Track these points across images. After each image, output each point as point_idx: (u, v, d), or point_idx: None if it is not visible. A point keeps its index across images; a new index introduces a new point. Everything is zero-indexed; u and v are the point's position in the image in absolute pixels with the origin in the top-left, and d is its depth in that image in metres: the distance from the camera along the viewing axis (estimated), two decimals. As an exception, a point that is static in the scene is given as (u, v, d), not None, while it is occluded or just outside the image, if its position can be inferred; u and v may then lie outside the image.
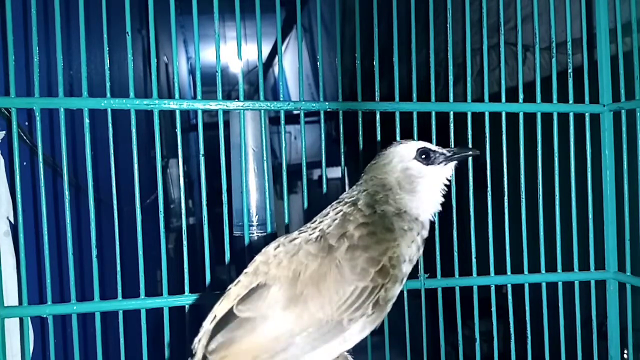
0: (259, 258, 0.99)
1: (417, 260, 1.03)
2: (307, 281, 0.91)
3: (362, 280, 0.91)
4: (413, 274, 1.08)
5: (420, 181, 1.05)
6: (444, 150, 1.08)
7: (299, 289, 0.91)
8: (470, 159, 1.51)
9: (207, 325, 0.96)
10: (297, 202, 2.16)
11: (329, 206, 1.05)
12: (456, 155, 1.09)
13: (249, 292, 0.93)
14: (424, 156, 1.06)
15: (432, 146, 1.08)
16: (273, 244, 1.00)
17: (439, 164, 1.07)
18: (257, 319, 0.91)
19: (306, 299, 0.90)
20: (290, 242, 0.97)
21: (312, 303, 0.90)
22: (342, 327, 0.91)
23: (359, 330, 0.94)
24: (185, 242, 1.42)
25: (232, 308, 0.93)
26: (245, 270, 0.99)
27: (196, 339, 0.96)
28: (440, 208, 1.09)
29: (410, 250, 0.99)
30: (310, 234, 0.97)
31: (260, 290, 0.93)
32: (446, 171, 1.09)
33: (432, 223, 1.07)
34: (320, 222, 1.00)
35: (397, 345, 1.50)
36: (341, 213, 0.99)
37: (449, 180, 1.11)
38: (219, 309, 0.96)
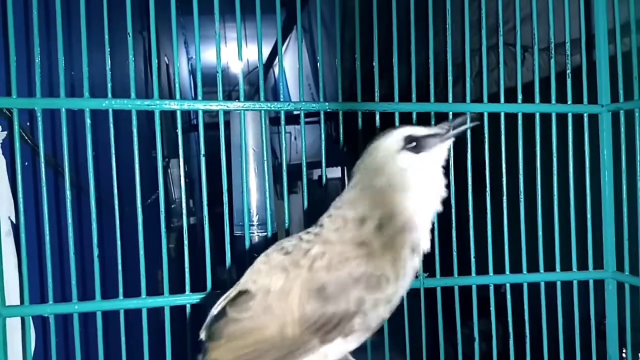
0: (255, 263, 0.99)
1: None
2: (276, 295, 0.90)
3: (327, 304, 0.87)
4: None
5: (412, 175, 0.92)
6: (437, 129, 0.95)
7: (269, 301, 0.91)
8: (469, 159, 1.52)
9: (210, 316, 0.99)
10: (297, 202, 2.16)
11: (325, 213, 0.99)
12: (452, 132, 0.95)
13: (238, 294, 0.95)
14: (413, 144, 0.93)
15: (421, 129, 0.95)
16: (268, 250, 1.00)
17: (432, 147, 0.93)
18: (239, 321, 0.93)
19: (274, 312, 0.90)
20: (278, 251, 0.96)
21: (277, 317, 0.89)
22: (313, 345, 0.89)
23: (340, 345, 0.91)
24: (186, 242, 1.42)
25: (225, 306, 0.95)
26: (245, 273, 1.00)
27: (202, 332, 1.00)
28: (440, 205, 0.95)
29: (395, 269, 0.89)
30: (293, 246, 0.95)
31: (246, 295, 0.94)
32: (441, 153, 0.95)
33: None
34: (308, 232, 0.96)
35: (396, 345, 1.51)
36: (322, 227, 0.95)
37: (447, 165, 0.98)
38: (218, 306, 0.99)
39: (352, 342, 0.92)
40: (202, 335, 0.98)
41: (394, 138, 0.94)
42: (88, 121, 1.35)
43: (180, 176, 1.45)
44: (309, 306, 0.88)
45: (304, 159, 1.52)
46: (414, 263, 0.93)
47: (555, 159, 1.59)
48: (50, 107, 1.35)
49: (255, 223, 1.53)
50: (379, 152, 0.94)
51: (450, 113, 1.53)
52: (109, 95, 1.37)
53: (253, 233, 1.52)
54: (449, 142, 0.96)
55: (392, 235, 0.90)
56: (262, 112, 1.52)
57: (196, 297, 1.40)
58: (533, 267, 1.59)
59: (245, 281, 0.97)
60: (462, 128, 0.96)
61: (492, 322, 1.57)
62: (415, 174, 0.93)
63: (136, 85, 1.40)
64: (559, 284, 1.59)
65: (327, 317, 0.87)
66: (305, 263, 0.90)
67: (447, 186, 0.98)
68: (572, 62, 1.61)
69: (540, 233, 1.59)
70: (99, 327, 1.35)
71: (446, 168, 0.98)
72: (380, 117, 1.52)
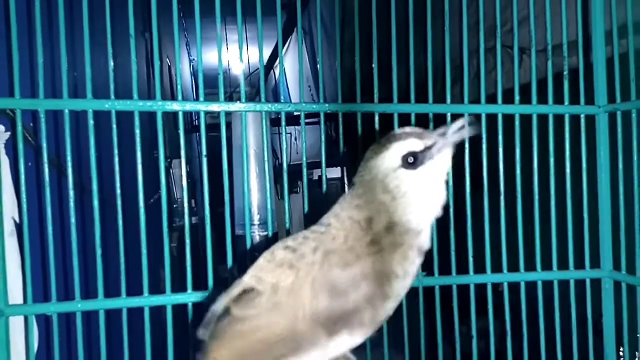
0: (258, 261, 1.00)
1: None
2: (286, 292, 0.91)
3: (338, 300, 0.89)
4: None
5: (411, 189, 0.93)
6: (435, 136, 0.94)
7: (278, 297, 0.91)
8: (467, 159, 1.54)
9: (210, 318, 0.98)
10: (297, 201, 2.18)
11: (328, 213, 1.01)
12: (451, 139, 0.94)
13: (242, 294, 0.96)
14: (411, 160, 0.93)
15: (418, 142, 0.93)
16: (272, 248, 1.00)
17: (429, 159, 0.93)
18: (244, 319, 0.93)
19: (284, 308, 0.91)
20: (283, 250, 0.97)
21: (288, 313, 0.90)
22: (320, 340, 0.91)
23: (346, 340, 0.93)
24: (187, 241, 1.44)
25: (229, 307, 0.95)
26: (247, 272, 1.01)
27: (202, 330, 0.99)
28: (441, 209, 0.97)
29: (403, 266, 0.92)
30: (300, 243, 0.96)
31: (251, 293, 0.94)
32: (441, 163, 0.95)
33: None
34: (314, 231, 0.98)
35: (395, 343, 1.52)
36: (329, 226, 0.96)
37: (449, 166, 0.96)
38: (219, 305, 0.98)
39: (357, 337, 0.94)
40: (203, 334, 0.97)
41: (391, 156, 0.94)
42: (91, 122, 1.36)
43: (182, 176, 1.46)
44: (321, 301, 0.89)
45: (304, 159, 1.53)
46: (418, 262, 0.96)
47: (552, 160, 1.60)
48: (53, 108, 1.36)
49: (256, 222, 1.54)
50: (379, 172, 0.94)
51: (449, 114, 1.55)
52: (112, 96, 1.38)
53: (254, 232, 1.53)
54: (449, 150, 0.95)
55: (400, 235, 0.93)
56: (263, 113, 1.53)
57: (198, 296, 1.41)
58: (530, 266, 1.60)
59: (250, 279, 0.97)
60: (461, 135, 0.94)
61: (489, 321, 1.59)
62: (415, 190, 0.94)
63: (138, 86, 1.41)
64: (556, 282, 1.60)
65: (336, 311, 0.89)
66: (316, 259, 0.91)
67: (446, 187, 0.99)
68: (570, 64, 1.63)
69: (537, 232, 1.60)
70: (102, 325, 1.36)
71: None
72: (379, 118, 1.53)
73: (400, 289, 0.93)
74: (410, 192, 0.93)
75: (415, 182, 0.93)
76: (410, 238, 0.93)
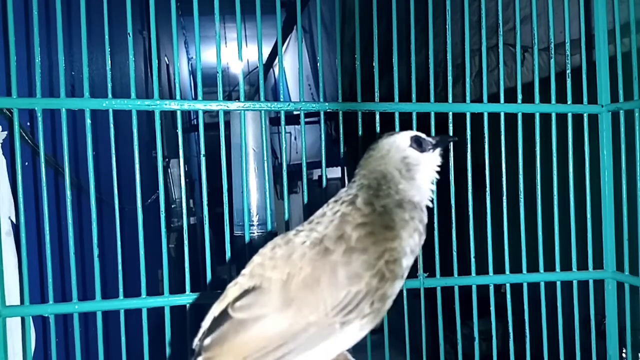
0: (255, 259, 0.98)
1: (417, 260, 1.01)
2: (300, 284, 0.90)
3: (356, 285, 0.90)
4: (412, 274, 1.07)
5: (417, 168, 1.05)
6: (429, 139, 1.10)
7: (292, 292, 0.90)
8: (469, 158, 1.53)
9: (205, 324, 0.96)
10: (297, 201, 2.17)
11: (325, 205, 1.02)
12: (440, 143, 1.10)
13: (244, 294, 0.94)
14: (417, 144, 1.07)
15: (422, 134, 1.09)
16: (269, 245, 0.99)
17: (429, 150, 1.08)
18: (250, 320, 0.91)
19: (299, 302, 0.89)
20: (286, 244, 0.96)
21: (304, 306, 0.89)
22: (334, 330, 0.90)
23: (356, 330, 0.93)
24: (186, 242, 1.42)
25: (226, 308, 0.93)
26: (242, 272, 0.99)
27: (196, 339, 0.97)
28: (433, 194, 1.10)
29: (413, 241, 0.97)
30: (306, 235, 0.95)
31: (254, 292, 0.93)
32: (436, 157, 1.10)
33: (430, 221, 1.05)
34: (318, 222, 0.98)
35: (396, 344, 1.51)
36: (339, 213, 0.97)
37: (440, 167, 1.11)
38: (216, 309, 0.96)
39: (365, 328, 0.94)
40: (201, 342, 0.94)
41: (404, 137, 1.07)
42: (88, 121, 1.35)
43: (180, 176, 1.46)
44: (341, 289, 0.90)
45: (304, 159, 1.52)
46: (422, 240, 1.00)
47: (555, 159, 1.59)
48: (50, 107, 1.35)
49: (255, 223, 1.53)
50: (391, 147, 1.06)
51: (450, 113, 1.53)
52: (109, 95, 1.37)
53: (253, 233, 1.52)
54: (439, 151, 1.10)
55: (410, 211, 0.99)
56: (262, 112, 1.52)
57: (196, 297, 1.40)
58: (533, 267, 1.59)
59: (248, 278, 0.95)
60: (446, 141, 1.11)
61: (492, 322, 1.58)
62: (419, 168, 1.06)
63: (136, 85, 1.40)
64: (559, 284, 1.60)
65: (353, 297, 0.90)
66: (335, 248, 0.91)
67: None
68: (572, 62, 1.62)
69: (540, 233, 1.59)
70: (99, 327, 1.35)
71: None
72: (380, 117, 1.52)
73: (406, 268, 0.95)
74: (417, 169, 1.05)
75: (420, 162, 1.06)
76: (417, 213, 1.00)
